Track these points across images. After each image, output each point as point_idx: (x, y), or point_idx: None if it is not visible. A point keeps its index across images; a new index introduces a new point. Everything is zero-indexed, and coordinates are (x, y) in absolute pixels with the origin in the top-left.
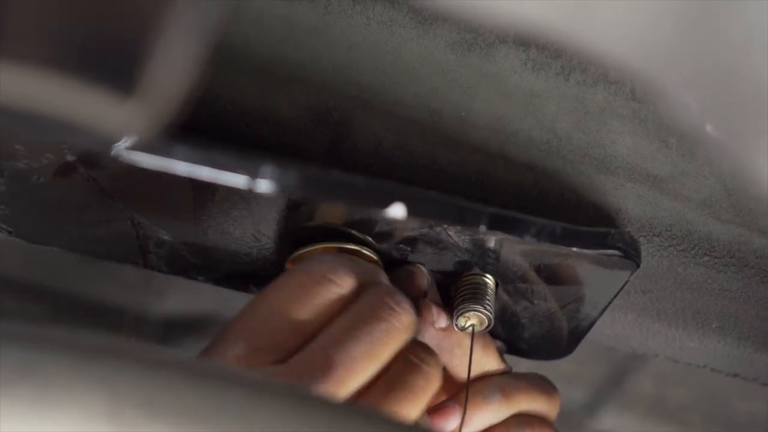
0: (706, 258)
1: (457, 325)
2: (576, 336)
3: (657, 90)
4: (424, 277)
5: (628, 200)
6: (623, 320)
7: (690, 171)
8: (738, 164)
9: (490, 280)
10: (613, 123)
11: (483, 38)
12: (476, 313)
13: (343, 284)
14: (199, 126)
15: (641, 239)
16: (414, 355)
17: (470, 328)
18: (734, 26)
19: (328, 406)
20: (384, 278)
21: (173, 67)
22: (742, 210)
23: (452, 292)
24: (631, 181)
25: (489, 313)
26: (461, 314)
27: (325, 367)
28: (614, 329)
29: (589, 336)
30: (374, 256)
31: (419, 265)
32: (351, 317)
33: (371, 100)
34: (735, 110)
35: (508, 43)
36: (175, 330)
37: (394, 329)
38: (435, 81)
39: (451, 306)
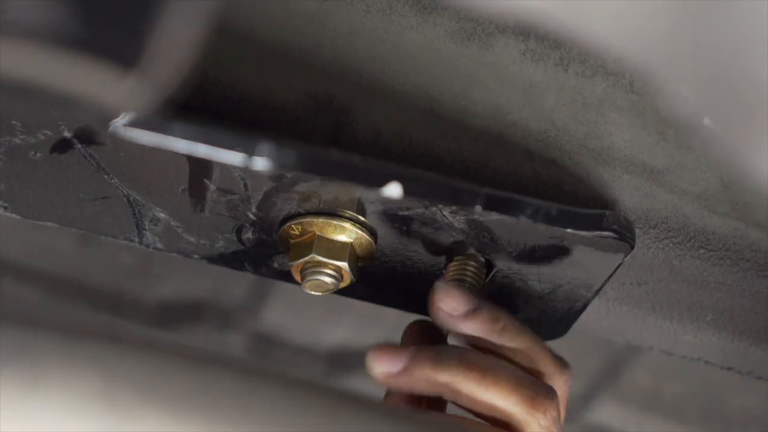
0: (702, 251)
1: None
2: (569, 318)
3: (655, 82)
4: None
5: (625, 192)
6: (618, 312)
7: (687, 164)
8: (735, 157)
9: (478, 264)
10: (611, 115)
11: (482, 28)
12: None
13: None
14: (198, 111)
15: (637, 231)
16: None
17: None
18: (732, 18)
19: (323, 392)
20: None
21: (174, 43)
22: (738, 203)
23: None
24: (628, 172)
25: None
26: None
27: None
28: (609, 321)
29: (584, 327)
30: (368, 236)
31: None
32: None
33: (371, 88)
34: (732, 103)
35: (508, 33)
36: (171, 314)
37: None
38: (434, 70)
39: None
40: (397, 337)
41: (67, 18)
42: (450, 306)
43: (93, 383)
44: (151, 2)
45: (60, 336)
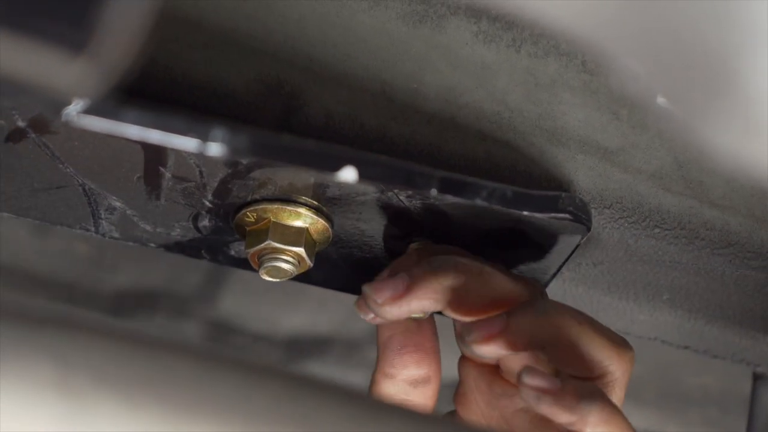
0: (657, 230)
1: None
2: None
3: (607, 61)
4: None
5: (579, 172)
6: (574, 293)
7: (641, 143)
8: (689, 136)
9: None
10: (564, 95)
11: (434, 10)
12: None
13: None
14: (149, 98)
15: (592, 211)
16: None
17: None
18: None
19: (280, 377)
20: None
21: (122, 27)
22: (692, 182)
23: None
24: (582, 153)
25: None
26: None
27: None
28: (565, 302)
29: None
30: (324, 221)
31: None
32: None
33: (322, 72)
34: (686, 82)
35: (459, 14)
36: (127, 303)
37: None
38: (386, 53)
39: None
40: (355, 322)
41: (11, 3)
42: (384, 294)
43: (46, 370)
44: None
45: (13, 323)
